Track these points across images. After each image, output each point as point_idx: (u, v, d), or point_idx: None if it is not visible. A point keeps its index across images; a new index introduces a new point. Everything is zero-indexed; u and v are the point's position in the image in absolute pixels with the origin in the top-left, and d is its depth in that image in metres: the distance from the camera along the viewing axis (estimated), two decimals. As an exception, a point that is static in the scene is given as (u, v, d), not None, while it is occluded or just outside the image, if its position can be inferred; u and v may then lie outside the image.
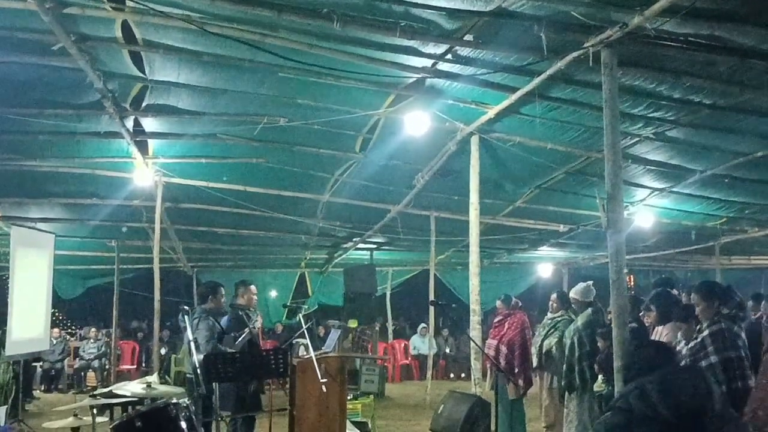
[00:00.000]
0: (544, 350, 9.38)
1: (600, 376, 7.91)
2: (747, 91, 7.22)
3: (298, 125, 9.22)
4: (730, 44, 6.22)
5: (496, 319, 10.53)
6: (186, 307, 7.09)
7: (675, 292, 7.82)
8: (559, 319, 9.49)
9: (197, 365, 6.47)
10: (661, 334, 7.14)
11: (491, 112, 8.37)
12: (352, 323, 17.13)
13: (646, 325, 7.70)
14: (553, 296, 9.89)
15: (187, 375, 8.62)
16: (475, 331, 9.21)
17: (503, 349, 10.00)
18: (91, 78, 7.95)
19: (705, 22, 5.82)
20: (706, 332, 5.98)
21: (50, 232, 13.75)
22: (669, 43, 6.22)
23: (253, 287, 9.13)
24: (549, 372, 9.43)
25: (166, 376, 16.40)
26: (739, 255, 18.83)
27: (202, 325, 7.98)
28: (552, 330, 9.46)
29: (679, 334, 6.64)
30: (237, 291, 9.04)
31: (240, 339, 8.29)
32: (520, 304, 10.57)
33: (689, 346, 6.17)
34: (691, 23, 5.84)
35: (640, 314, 7.87)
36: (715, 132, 8.72)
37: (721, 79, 7.00)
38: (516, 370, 9.80)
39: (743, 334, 6.16)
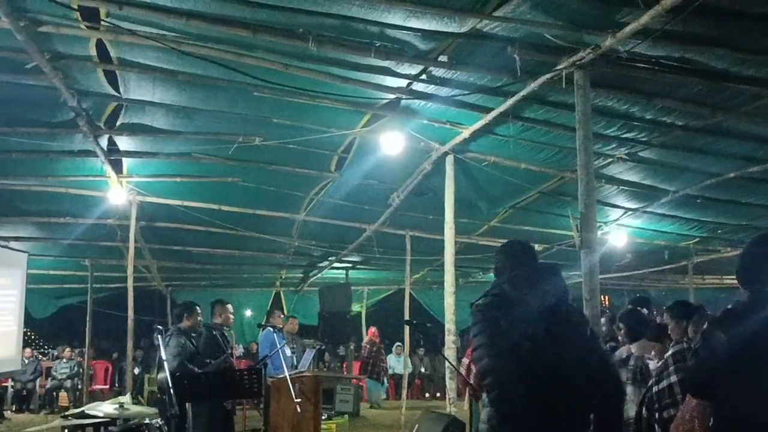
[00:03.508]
0: None
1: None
2: (718, 112, 7.31)
3: (273, 144, 9.22)
4: (702, 67, 6.32)
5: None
6: (160, 327, 7.03)
7: (645, 311, 7.85)
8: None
9: (169, 384, 6.41)
10: (629, 352, 7.17)
11: (466, 132, 8.41)
12: None
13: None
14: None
15: (159, 395, 8.54)
16: (449, 351, 9.20)
17: (473, 368, 9.99)
18: (65, 96, 7.92)
19: (676, 44, 5.91)
20: (670, 351, 6.02)
21: (23, 251, 13.63)
22: (641, 65, 6.31)
23: (229, 306, 9.07)
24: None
25: (139, 396, 16.25)
26: (711, 274, 18.97)
27: (173, 343, 7.92)
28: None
29: (653, 353, 6.67)
30: (214, 310, 8.96)
31: (213, 364, 8.20)
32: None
33: (657, 365, 6.20)
34: (663, 46, 5.93)
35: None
36: (688, 153, 8.81)
37: (693, 100, 7.10)
38: (483, 390, 9.78)
39: None
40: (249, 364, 16.60)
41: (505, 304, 4.08)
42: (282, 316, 12.94)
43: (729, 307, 4.28)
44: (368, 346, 19.33)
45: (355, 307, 18.45)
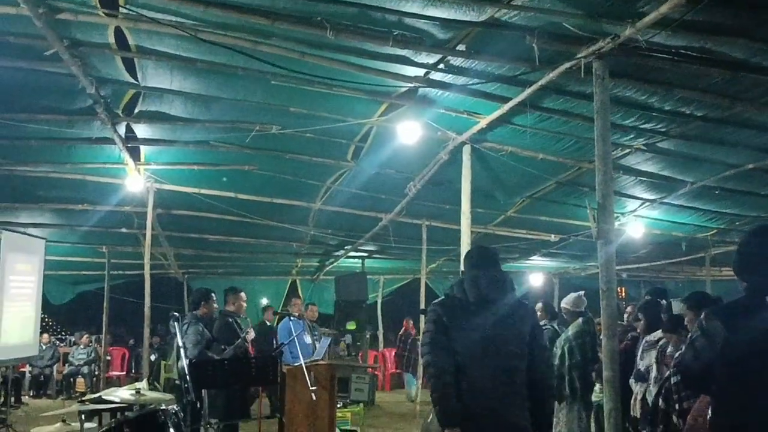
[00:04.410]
0: None
1: (597, 385, 7.92)
2: (737, 103, 7.26)
3: (290, 133, 9.23)
4: (721, 57, 6.27)
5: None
6: (176, 314, 7.06)
7: (664, 302, 7.84)
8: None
9: (186, 371, 6.45)
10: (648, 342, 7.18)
11: (483, 122, 8.38)
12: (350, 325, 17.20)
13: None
14: (539, 305, 9.92)
15: (176, 381, 8.58)
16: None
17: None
18: (83, 84, 7.96)
19: (696, 34, 5.86)
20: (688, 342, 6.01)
21: (41, 238, 13.71)
22: (660, 55, 6.26)
23: (242, 294, 9.10)
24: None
25: (156, 383, 16.35)
26: (729, 266, 18.77)
27: (191, 330, 7.97)
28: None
29: (670, 344, 6.67)
30: (227, 298, 9.00)
31: (229, 349, 8.23)
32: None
33: (674, 356, 6.19)
34: (682, 36, 5.88)
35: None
36: (706, 144, 8.76)
37: (712, 91, 7.03)
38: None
39: None
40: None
41: (452, 304, 4.89)
42: (300, 303, 12.93)
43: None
44: (402, 338, 19.27)
45: (371, 297, 18.31)
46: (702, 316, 4.05)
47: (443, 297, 5.09)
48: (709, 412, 4.09)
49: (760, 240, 3.92)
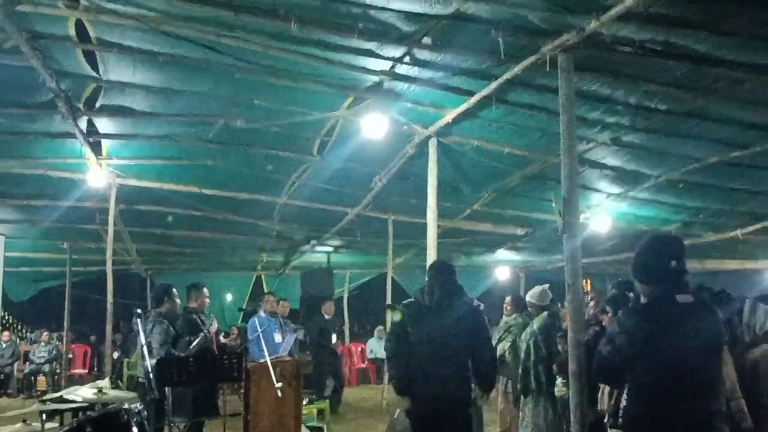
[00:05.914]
0: (497, 354, 9.32)
1: (560, 379, 7.91)
2: (701, 97, 7.29)
3: (254, 127, 9.16)
4: (685, 50, 6.28)
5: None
6: (139, 311, 6.98)
7: (632, 295, 7.85)
8: (512, 323, 9.49)
9: (150, 370, 6.38)
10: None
11: (449, 116, 8.36)
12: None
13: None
14: (508, 299, 9.91)
15: (140, 379, 8.50)
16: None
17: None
18: (43, 77, 7.81)
19: (660, 28, 5.87)
20: (607, 338, 6.07)
21: (0, 234, 13.50)
22: (625, 48, 6.27)
23: (205, 290, 9.04)
24: (503, 376, 9.40)
25: (118, 381, 16.18)
26: (693, 259, 18.94)
27: (157, 329, 7.89)
28: (506, 334, 9.45)
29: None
30: (189, 294, 8.92)
31: (194, 343, 8.18)
32: (481, 306, 10.43)
33: None
34: (647, 29, 5.89)
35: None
36: (670, 137, 8.79)
37: (676, 84, 7.06)
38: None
39: None
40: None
41: (414, 305, 6.57)
42: (273, 299, 12.86)
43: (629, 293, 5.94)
44: None
45: (337, 291, 18.26)
46: (620, 315, 4.63)
47: (410, 299, 6.75)
48: (623, 401, 4.52)
49: (657, 248, 4.57)
